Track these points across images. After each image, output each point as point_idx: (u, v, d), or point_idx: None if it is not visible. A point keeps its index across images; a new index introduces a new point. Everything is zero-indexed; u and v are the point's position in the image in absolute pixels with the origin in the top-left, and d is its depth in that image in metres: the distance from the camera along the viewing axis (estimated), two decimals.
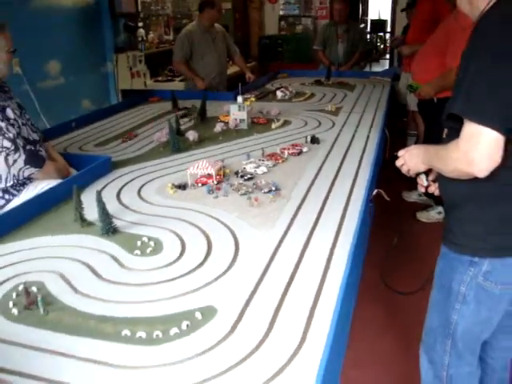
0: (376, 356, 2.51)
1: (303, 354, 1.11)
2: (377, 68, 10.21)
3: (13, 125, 2.16)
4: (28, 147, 2.18)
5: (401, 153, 1.65)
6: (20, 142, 2.14)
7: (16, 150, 2.11)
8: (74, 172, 2.43)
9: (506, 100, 1.22)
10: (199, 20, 4.79)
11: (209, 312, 1.27)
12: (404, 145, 4.37)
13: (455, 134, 1.32)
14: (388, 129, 3.22)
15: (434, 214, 3.86)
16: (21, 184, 2.19)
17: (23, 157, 2.13)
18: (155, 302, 1.33)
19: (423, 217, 3.94)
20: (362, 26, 11.63)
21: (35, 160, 2.19)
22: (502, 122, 1.21)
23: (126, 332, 1.20)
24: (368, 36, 11.24)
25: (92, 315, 1.29)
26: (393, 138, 3.23)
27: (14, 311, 1.31)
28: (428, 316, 1.69)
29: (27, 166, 2.15)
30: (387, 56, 11.31)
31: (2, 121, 2.12)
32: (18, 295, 1.38)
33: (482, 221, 1.42)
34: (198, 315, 1.25)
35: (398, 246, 1.95)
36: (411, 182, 1.76)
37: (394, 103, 4.65)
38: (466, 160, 1.26)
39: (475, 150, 1.23)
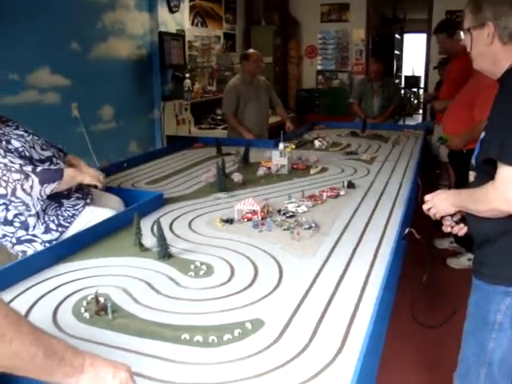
0: None
1: (339, 362, 1.26)
2: (410, 122, 10.43)
3: (20, 154, 2.28)
4: (39, 168, 2.26)
5: (428, 197, 1.78)
6: (28, 168, 2.23)
7: (27, 177, 2.20)
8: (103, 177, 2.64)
9: None
10: (241, 73, 5.12)
11: (258, 323, 1.44)
12: None
13: (486, 176, 1.49)
14: (420, 179, 3.38)
15: (464, 261, 3.95)
16: (71, 216, 2.39)
17: (36, 179, 2.21)
18: (209, 314, 1.50)
19: (453, 263, 4.03)
20: (397, 81, 11.95)
21: (50, 176, 2.27)
22: None
23: (184, 336, 1.38)
24: (402, 91, 11.53)
25: (153, 322, 1.47)
26: (425, 189, 3.37)
27: (86, 315, 1.50)
28: (462, 346, 1.78)
29: (45, 185, 2.23)
30: (420, 111, 11.55)
31: (5, 157, 2.22)
32: (87, 303, 1.57)
33: None
34: (248, 325, 1.42)
35: (427, 288, 2.07)
36: (443, 230, 1.88)
37: (426, 155, 4.81)
38: (505, 200, 1.41)
39: None
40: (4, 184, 2.17)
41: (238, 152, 3.63)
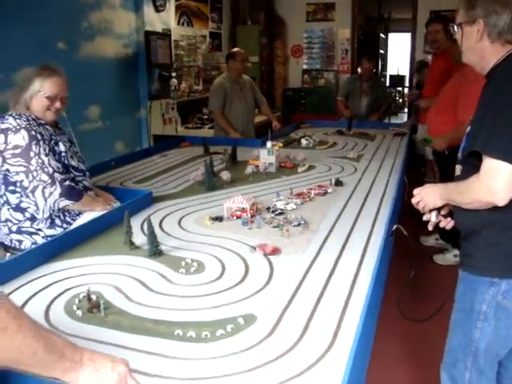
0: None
1: (331, 356, 1.28)
2: (395, 120, 10.50)
3: (60, 159, 2.38)
4: (67, 183, 2.32)
5: (416, 191, 1.83)
6: (58, 176, 2.29)
7: (52, 183, 2.27)
8: (117, 203, 2.66)
9: None
10: (227, 71, 5.13)
11: (250, 318, 1.46)
12: None
13: (471, 169, 1.53)
14: (407, 177, 3.42)
15: (451, 257, 4.00)
16: (76, 214, 2.42)
17: (59, 190, 2.28)
18: (202, 310, 1.52)
19: (439, 259, 4.09)
20: (382, 79, 12.04)
21: (71, 194, 2.34)
22: None
23: (178, 332, 1.39)
24: (387, 90, 11.61)
25: (147, 319, 1.48)
26: (411, 186, 3.42)
27: (79, 313, 1.51)
28: (449, 336, 1.83)
29: (62, 199, 2.30)
30: (405, 109, 11.64)
31: (47, 155, 2.30)
32: (79, 301, 1.58)
33: (499, 245, 1.60)
34: (241, 320, 1.44)
35: (414, 285, 2.10)
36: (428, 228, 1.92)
37: (412, 153, 4.87)
38: (488, 190, 1.45)
39: (495, 181, 1.43)
40: (31, 178, 2.26)
41: (226, 151, 3.65)
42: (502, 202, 1.44)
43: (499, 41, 1.61)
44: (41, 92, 2.35)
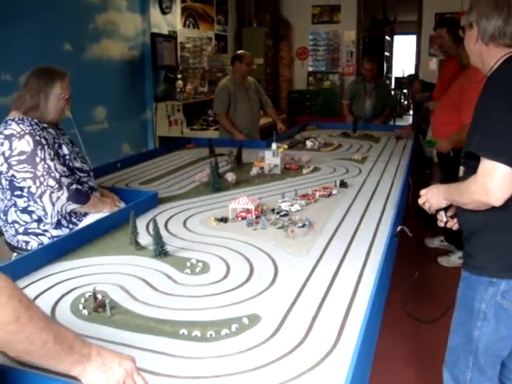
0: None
1: (335, 355, 1.29)
2: (400, 123, 10.49)
3: (64, 162, 2.40)
4: (74, 186, 2.35)
5: (423, 192, 1.86)
6: (65, 181, 2.32)
7: (60, 188, 2.29)
8: (123, 204, 2.68)
9: None
10: (232, 73, 5.15)
11: (254, 318, 1.47)
12: None
13: (472, 170, 1.54)
14: (411, 179, 3.43)
15: (455, 259, 4.00)
16: (82, 214, 2.44)
17: (66, 194, 2.30)
18: (207, 310, 1.53)
19: (444, 261, 4.08)
20: (387, 82, 12.05)
21: (78, 197, 2.37)
22: None
23: (183, 331, 1.40)
24: (392, 92, 11.62)
25: (152, 318, 1.49)
26: (417, 189, 3.42)
27: (84, 312, 1.52)
28: (451, 336, 1.84)
29: (69, 202, 2.33)
30: (410, 112, 11.64)
31: (52, 160, 2.31)
32: (85, 301, 1.59)
33: (498, 245, 1.62)
34: (245, 320, 1.45)
35: (419, 287, 2.11)
36: (433, 230, 1.94)
37: (418, 156, 4.85)
38: (484, 191, 1.47)
39: (491, 182, 1.44)
40: (38, 184, 2.28)
41: (231, 152, 3.66)
42: (497, 202, 1.46)
43: (493, 44, 1.63)
44: (61, 95, 2.40)
